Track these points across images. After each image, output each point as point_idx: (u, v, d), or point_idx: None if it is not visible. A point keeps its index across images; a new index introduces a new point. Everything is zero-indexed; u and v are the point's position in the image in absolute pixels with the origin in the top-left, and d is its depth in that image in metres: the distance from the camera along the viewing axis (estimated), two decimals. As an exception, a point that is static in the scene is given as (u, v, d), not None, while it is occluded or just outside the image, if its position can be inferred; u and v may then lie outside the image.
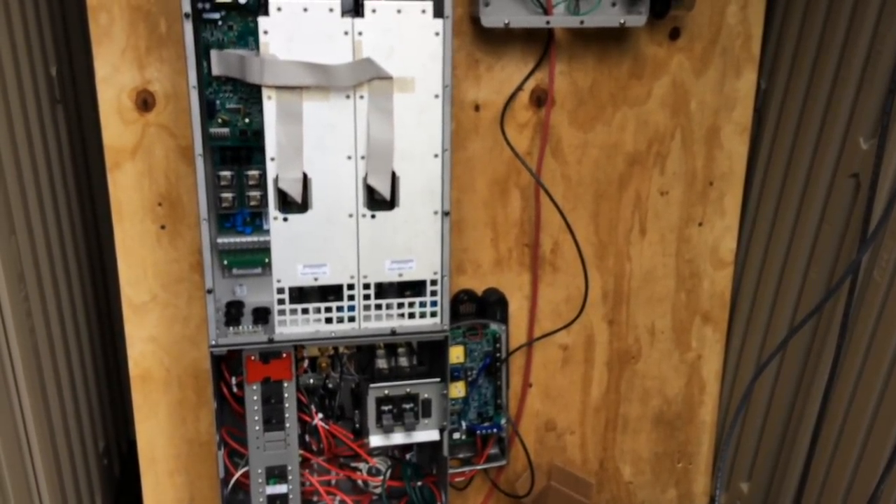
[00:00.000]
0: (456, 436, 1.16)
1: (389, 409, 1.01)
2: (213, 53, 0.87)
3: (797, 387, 1.13)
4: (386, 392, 1.01)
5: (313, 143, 0.88)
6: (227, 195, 0.92)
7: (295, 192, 0.89)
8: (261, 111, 0.87)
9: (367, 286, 0.95)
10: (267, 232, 0.93)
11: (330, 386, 1.06)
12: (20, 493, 0.97)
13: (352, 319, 0.96)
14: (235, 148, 0.92)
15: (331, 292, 0.95)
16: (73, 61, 1.24)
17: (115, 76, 0.97)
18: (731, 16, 1.11)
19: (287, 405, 0.98)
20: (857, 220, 1.00)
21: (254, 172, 0.92)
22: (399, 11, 0.87)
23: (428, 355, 1.05)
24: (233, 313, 0.96)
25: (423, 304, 0.97)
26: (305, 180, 0.89)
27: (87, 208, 1.30)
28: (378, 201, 0.92)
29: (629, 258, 1.19)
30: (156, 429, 1.10)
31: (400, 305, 0.97)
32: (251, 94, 0.89)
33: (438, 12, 0.88)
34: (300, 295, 0.94)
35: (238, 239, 0.94)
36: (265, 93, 0.86)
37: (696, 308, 1.23)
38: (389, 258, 0.94)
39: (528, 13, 1.00)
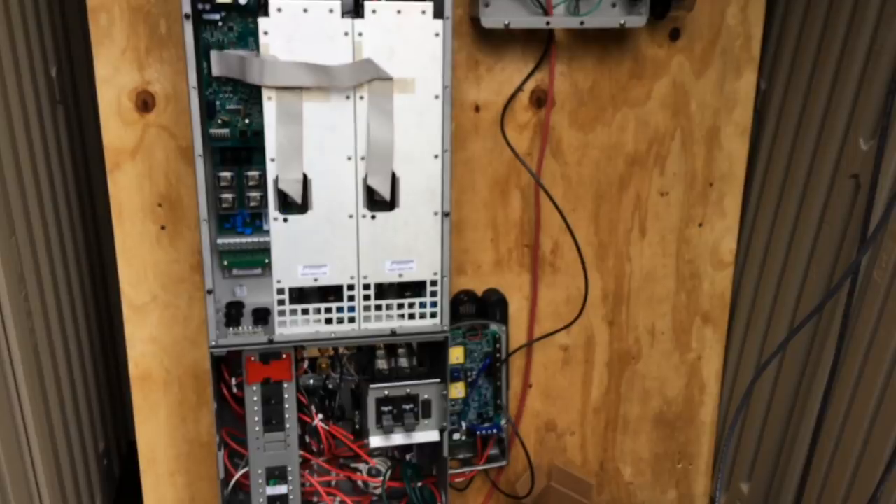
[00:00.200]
0: (456, 436, 1.15)
1: (389, 409, 1.01)
2: (214, 54, 0.87)
3: (797, 387, 1.13)
4: (386, 393, 1.01)
5: (313, 143, 0.88)
6: (227, 196, 0.92)
7: (295, 193, 0.89)
8: (261, 112, 0.87)
9: (367, 287, 0.95)
10: (267, 232, 0.93)
11: (330, 386, 1.06)
12: (20, 494, 0.97)
13: (352, 320, 0.96)
14: (235, 148, 0.92)
15: (331, 293, 0.95)
16: (73, 62, 1.24)
17: (115, 77, 0.97)
18: (731, 16, 1.11)
19: (287, 406, 0.98)
20: (857, 221, 1.00)
21: (254, 173, 0.92)
22: (399, 12, 0.87)
23: (428, 356, 1.05)
24: (233, 314, 0.96)
25: (423, 305, 0.97)
26: (305, 181, 0.89)
27: (87, 209, 1.30)
28: (378, 202, 0.92)
29: (629, 259, 1.19)
30: (156, 429, 1.10)
31: (400, 306, 0.97)
32: (251, 95, 0.89)
33: (438, 13, 0.88)
34: (300, 296, 0.94)
35: (238, 239, 0.94)
36: (265, 93, 0.86)
37: (696, 309, 1.23)
38: (389, 259, 0.94)
39: (528, 14, 1.00)
